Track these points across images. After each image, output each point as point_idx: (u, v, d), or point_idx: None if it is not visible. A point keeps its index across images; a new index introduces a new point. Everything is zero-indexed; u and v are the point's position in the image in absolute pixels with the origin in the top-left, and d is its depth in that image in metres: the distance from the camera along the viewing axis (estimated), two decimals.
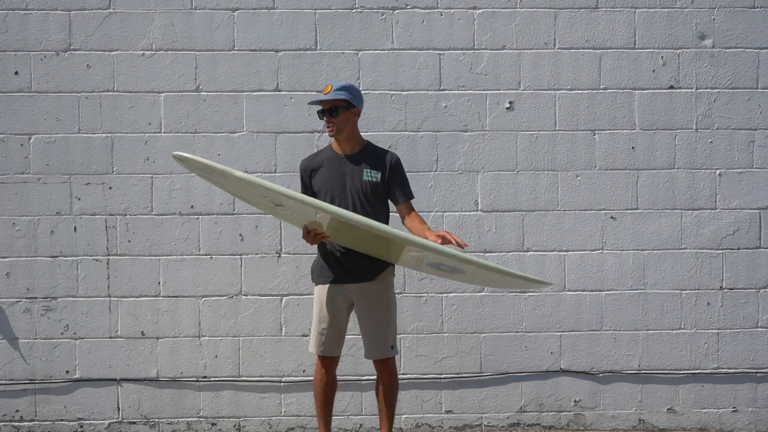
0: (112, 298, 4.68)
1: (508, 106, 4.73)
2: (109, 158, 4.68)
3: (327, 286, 3.92)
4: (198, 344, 4.71)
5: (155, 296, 4.69)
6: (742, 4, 4.75)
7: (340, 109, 3.83)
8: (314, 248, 3.98)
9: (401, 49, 4.72)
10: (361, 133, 4.00)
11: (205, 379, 4.72)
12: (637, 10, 4.75)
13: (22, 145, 4.66)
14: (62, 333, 4.68)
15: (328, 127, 3.86)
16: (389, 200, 3.95)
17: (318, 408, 4.04)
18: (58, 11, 4.67)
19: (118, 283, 4.68)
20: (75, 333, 4.68)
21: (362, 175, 3.85)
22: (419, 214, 3.94)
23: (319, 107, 3.90)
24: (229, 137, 4.69)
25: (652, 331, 4.76)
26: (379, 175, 3.87)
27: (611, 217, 4.75)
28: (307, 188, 3.95)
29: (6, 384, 4.68)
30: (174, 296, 4.69)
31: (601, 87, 4.75)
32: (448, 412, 4.75)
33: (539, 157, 4.74)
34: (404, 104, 4.72)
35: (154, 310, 4.69)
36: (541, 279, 4.13)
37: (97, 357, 4.69)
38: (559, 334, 4.75)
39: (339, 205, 3.72)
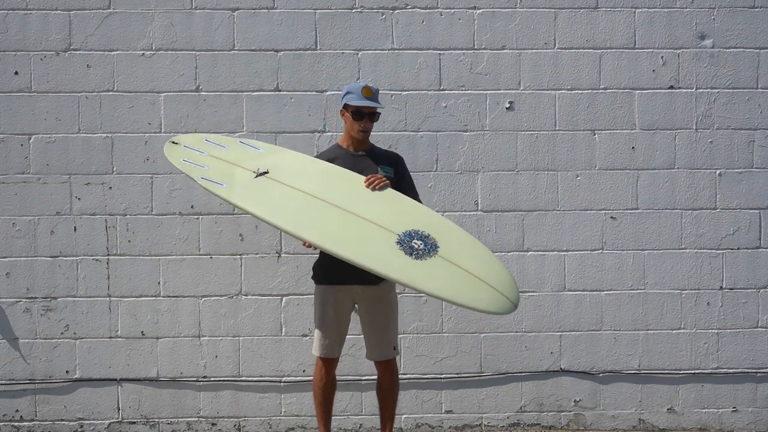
0: (112, 298, 4.68)
1: (508, 106, 4.73)
2: (109, 158, 4.68)
3: (330, 287, 3.93)
4: (198, 344, 4.71)
5: (155, 296, 4.69)
6: (742, 4, 4.75)
7: (377, 115, 3.95)
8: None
9: (401, 49, 4.72)
10: None
11: (205, 379, 4.72)
12: (637, 10, 4.74)
13: (22, 145, 4.66)
14: (62, 333, 4.68)
15: (363, 130, 3.90)
16: None
17: (318, 408, 4.03)
18: (58, 11, 4.67)
19: (118, 283, 4.68)
20: (75, 333, 4.68)
21: (378, 170, 3.91)
22: None
23: (367, 105, 3.88)
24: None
25: (652, 331, 4.76)
26: (392, 171, 3.96)
27: (611, 217, 4.75)
28: None
29: (6, 384, 4.68)
30: (174, 296, 4.69)
31: (601, 87, 4.75)
32: (448, 412, 4.75)
33: (539, 157, 4.74)
34: (404, 104, 4.71)
35: (154, 310, 4.69)
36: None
37: (97, 357, 4.69)
38: (559, 334, 4.75)
39: None
